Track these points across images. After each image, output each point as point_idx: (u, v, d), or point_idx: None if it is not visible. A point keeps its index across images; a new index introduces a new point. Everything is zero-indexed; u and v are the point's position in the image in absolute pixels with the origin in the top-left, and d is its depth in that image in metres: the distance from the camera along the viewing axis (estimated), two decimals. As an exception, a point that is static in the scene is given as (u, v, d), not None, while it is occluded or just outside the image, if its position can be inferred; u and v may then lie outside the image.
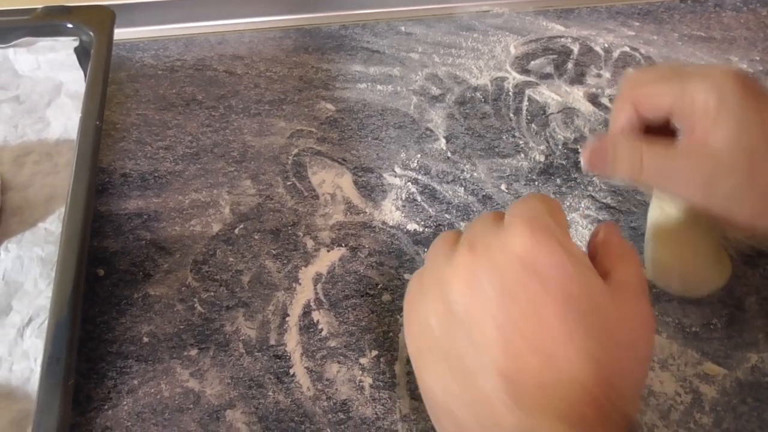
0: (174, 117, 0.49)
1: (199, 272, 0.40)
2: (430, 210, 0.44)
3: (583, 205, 0.45)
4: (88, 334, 0.37)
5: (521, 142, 0.49)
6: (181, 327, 0.37)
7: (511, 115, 0.51)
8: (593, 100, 0.52)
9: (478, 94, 0.52)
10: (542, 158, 0.48)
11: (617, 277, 0.27)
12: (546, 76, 0.54)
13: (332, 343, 0.37)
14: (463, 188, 0.45)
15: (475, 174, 0.46)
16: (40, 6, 0.45)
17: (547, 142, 0.49)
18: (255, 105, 0.50)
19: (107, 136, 0.47)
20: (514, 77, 0.54)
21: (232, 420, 0.34)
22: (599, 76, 0.54)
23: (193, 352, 0.37)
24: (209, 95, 0.50)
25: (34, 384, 0.32)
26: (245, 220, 0.43)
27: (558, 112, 0.51)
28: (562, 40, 0.57)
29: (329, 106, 0.50)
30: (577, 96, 0.52)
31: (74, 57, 0.45)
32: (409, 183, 0.45)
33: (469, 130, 0.49)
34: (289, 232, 0.42)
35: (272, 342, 0.37)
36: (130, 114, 0.49)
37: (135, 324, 0.38)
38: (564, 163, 0.47)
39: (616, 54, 0.56)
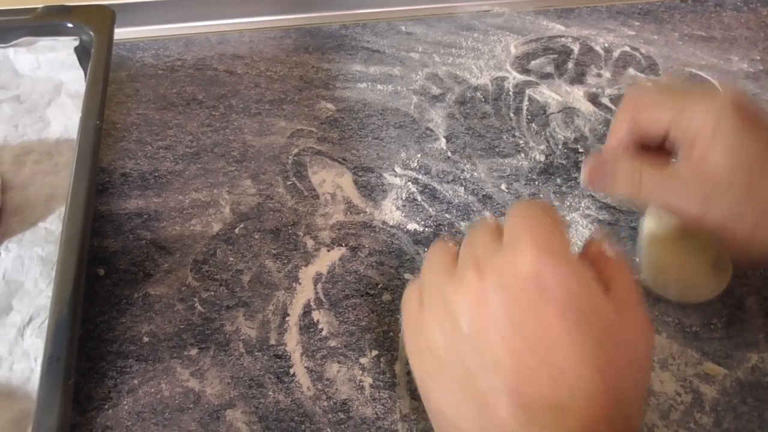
0: (174, 116, 0.49)
1: (200, 272, 0.40)
2: (431, 210, 0.44)
3: (583, 205, 0.45)
4: (88, 333, 0.37)
5: (521, 142, 0.49)
6: (182, 327, 0.38)
7: (512, 114, 0.51)
8: (593, 99, 0.52)
9: (478, 93, 0.52)
10: (542, 158, 0.48)
11: (616, 291, 0.27)
12: (546, 76, 0.54)
13: (332, 343, 0.37)
14: (463, 188, 0.45)
15: (476, 174, 0.46)
16: (40, 6, 0.46)
17: (548, 141, 0.49)
18: (255, 104, 0.50)
19: (107, 136, 0.47)
20: (515, 77, 0.54)
21: (232, 420, 0.34)
22: (599, 75, 0.54)
23: (194, 351, 0.37)
24: (209, 95, 0.50)
25: (34, 383, 0.32)
26: (245, 220, 0.43)
27: (558, 112, 0.51)
28: (563, 39, 0.57)
29: (329, 105, 0.50)
30: (577, 96, 0.52)
31: (74, 56, 0.46)
32: (410, 183, 0.45)
33: (469, 129, 0.49)
34: (290, 231, 0.42)
35: (272, 342, 0.37)
36: (130, 113, 0.49)
37: (135, 323, 0.38)
38: (564, 162, 0.47)
39: (616, 54, 0.56)
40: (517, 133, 0.49)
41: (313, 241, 0.42)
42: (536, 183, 0.46)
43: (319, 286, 0.40)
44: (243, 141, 0.47)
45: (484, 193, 0.45)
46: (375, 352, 0.37)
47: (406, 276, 0.40)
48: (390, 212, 0.44)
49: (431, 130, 0.49)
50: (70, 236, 0.34)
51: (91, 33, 0.44)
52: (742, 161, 0.32)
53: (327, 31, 0.57)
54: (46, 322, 0.32)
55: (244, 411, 0.35)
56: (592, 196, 0.45)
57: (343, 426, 0.34)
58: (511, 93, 0.52)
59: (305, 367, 0.36)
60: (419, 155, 0.47)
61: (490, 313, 0.26)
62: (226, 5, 0.55)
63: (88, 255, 0.35)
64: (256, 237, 0.42)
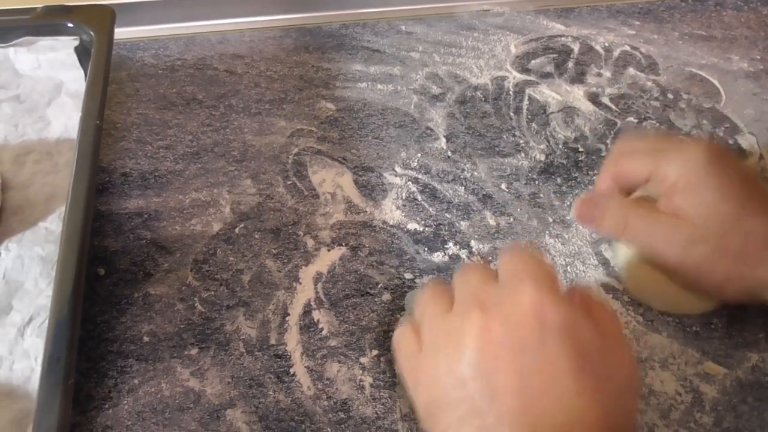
0: (174, 116, 0.49)
1: (200, 271, 0.40)
2: (431, 209, 0.44)
3: (583, 205, 0.45)
4: (88, 333, 0.37)
5: (521, 142, 0.49)
6: (182, 326, 0.38)
7: (512, 114, 0.51)
8: (593, 99, 0.52)
9: (478, 93, 0.52)
10: (542, 157, 0.48)
11: (602, 326, 0.29)
12: (546, 75, 0.54)
13: (332, 343, 0.37)
14: (463, 187, 0.45)
15: (476, 173, 0.46)
16: (40, 5, 0.45)
17: (548, 141, 0.49)
18: (255, 104, 0.50)
19: (107, 136, 0.47)
20: (515, 76, 0.54)
21: (232, 419, 0.34)
22: (599, 75, 0.54)
23: (194, 351, 0.37)
24: (210, 94, 0.50)
25: (34, 383, 0.32)
26: (245, 220, 0.43)
27: (558, 111, 0.51)
28: (563, 39, 0.57)
29: (329, 105, 0.50)
30: (577, 95, 0.52)
31: (74, 56, 0.45)
32: (410, 182, 0.45)
33: (469, 129, 0.49)
34: (290, 231, 0.42)
35: (272, 341, 0.37)
36: (130, 113, 0.49)
37: (135, 323, 0.38)
38: (564, 162, 0.47)
39: (616, 53, 0.56)
40: (517, 133, 0.49)
41: (313, 241, 0.42)
42: (536, 182, 0.46)
43: (320, 285, 0.40)
44: (243, 141, 0.47)
45: (484, 192, 0.45)
46: (375, 352, 0.37)
47: (407, 275, 0.40)
48: (390, 212, 0.44)
49: (431, 130, 0.49)
50: (70, 236, 0.34)
51: (91, 33, 0.44)
52: (713, 216, 0.34)
53: (327, 30, 0.57)
54: (47, 321, 0.32)
55: (245, 410, 0.35)
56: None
57: (343, 425, 0.34)
58: (511, 92, 0.52)
59: (305, 366, 0.36)
60: (419, 155, 0.47)
61: (496, 342, 0.28)
62: (226, 5, 0.55)
63: (89, 255, 0.35)
64: (257, 237, 0.42)
